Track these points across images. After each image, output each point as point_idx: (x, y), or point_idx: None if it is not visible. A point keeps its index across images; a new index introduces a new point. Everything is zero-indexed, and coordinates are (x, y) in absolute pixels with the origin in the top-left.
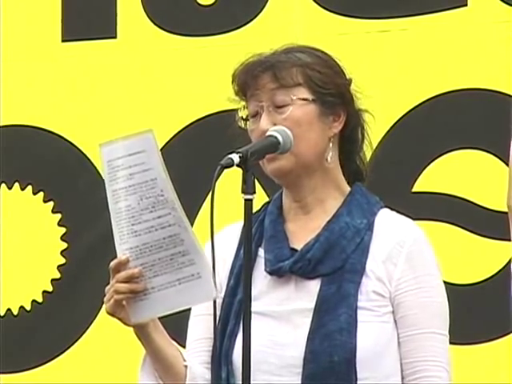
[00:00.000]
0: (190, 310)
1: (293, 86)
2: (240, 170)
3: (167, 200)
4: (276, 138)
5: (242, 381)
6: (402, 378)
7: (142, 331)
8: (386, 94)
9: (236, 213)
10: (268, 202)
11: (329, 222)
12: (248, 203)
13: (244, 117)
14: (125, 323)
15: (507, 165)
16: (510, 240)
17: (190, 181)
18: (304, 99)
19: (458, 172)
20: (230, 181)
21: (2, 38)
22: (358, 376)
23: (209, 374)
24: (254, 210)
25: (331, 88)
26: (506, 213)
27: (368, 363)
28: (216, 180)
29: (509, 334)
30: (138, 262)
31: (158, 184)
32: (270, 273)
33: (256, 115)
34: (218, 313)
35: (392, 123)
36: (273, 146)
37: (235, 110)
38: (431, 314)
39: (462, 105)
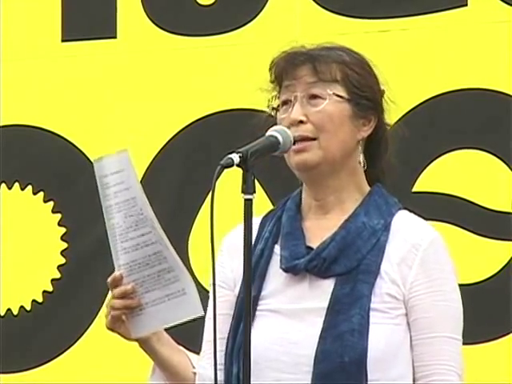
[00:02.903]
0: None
1: (330, 81)
2: (240, 170)
3: (146, 218)
4: (276, 137)
5: (243, 380)
6: (414, 381)
7: (145, 345)
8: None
9: (236, 213)
10: (287, 199)
11: (346, 221)
12: (248, 203)
13: (275, 106)
14: (125, 338)
15: (507, 165)
16: (510, 240)
17: (190, 181)
18: (340, 96)
19: (458, 172)
20: (230, 181)
21: (2, 38)
22: (369, 377)
23: (221, 376)
24: (255, 209)
25: (367, 91)
26: (506, 213)
27: (379, 365)
28: (216, 180)
29: (509, 333)
30: (130, 278)
31: (138, 203)
32: (285, 270)
33: (288, 104)
34: (228, 311)
35: (392, 123)
36: (273, 146)
37: (236, 110)
38: (444, 317)
39: (462, 105)
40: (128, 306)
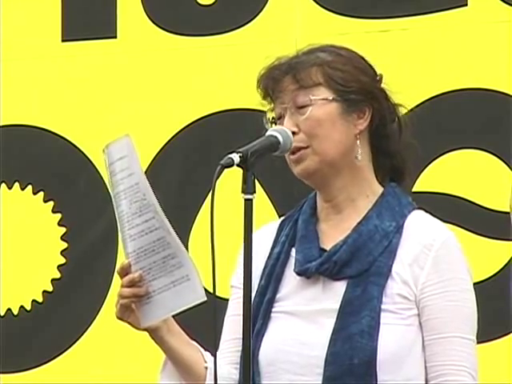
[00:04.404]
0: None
1: (312, 85)
2: (240, 170)
3: (149, 204)
4: (276, 137)
5: (244, 381)
6: (426, 381)
7: (155, 334)
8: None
9: (236, 213)
10: (304, 201)
11: (358, 224)
12: (248, 203)
13: (270, 119)
14: (135, 327)
15: (507, 165)
16: (510, 240)
17: (189, 181)
18: (323, 99)
19: (458, 172)
20: (230, 181)
21: (2, 38)
22: (379, 378)
23: (236, 375)
24: (255, 210)
25: (353, 85)
26: (506, 213)
27: (389, 366)
28: (216, 180)
29: (509, 333)
30: (138, 265)
31: (141, 188)
32: (298, 273)
33: (281, 117)
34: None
35: None
36: (273, 146)
37: (236, 110)
38: (457, 318)
39: (462, 105)
40: (136, 294)
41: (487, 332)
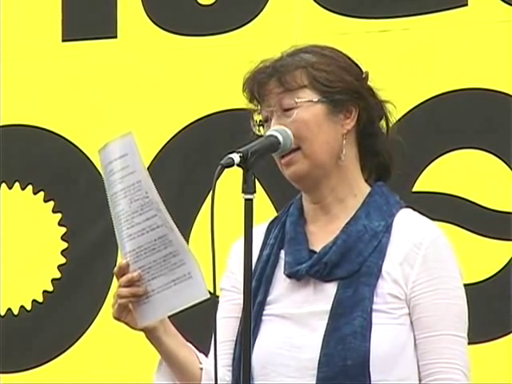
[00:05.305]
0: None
1: (297, 88)
2: (240, 170)
3: (152, 201)
4: (276, 137)
5: (245, 382)
6: (419, 380)
7: (151, 335)
8: (385, 94)
9: (236, 213)
10: (291, 203)
11: (347, 224)
12: (248, 203)
13: (258, 122)
14: (132, 327)
15: (507, 165)
16: (510, 240)
17: (189, 181)
18: (309, 101)
19: (458, 172)
20: (230, 181)
21: (2, 38)
22: (372, 378)
23: (229, 376)
24: (255, 210)
25: (338, 86)
26: (506, 212)
27: (382, 366)
28: (216, 180)
29: (509, 333)
30: (136, 265)
31: (143, 186)
32: (289, 276)
33: (268, 120)
34: (239, 314)
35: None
36: (273, 146)
37: (236, 110)
38: (448, 315)
39: (462, 105)
40: (135, 293)
41: (487, 332)
